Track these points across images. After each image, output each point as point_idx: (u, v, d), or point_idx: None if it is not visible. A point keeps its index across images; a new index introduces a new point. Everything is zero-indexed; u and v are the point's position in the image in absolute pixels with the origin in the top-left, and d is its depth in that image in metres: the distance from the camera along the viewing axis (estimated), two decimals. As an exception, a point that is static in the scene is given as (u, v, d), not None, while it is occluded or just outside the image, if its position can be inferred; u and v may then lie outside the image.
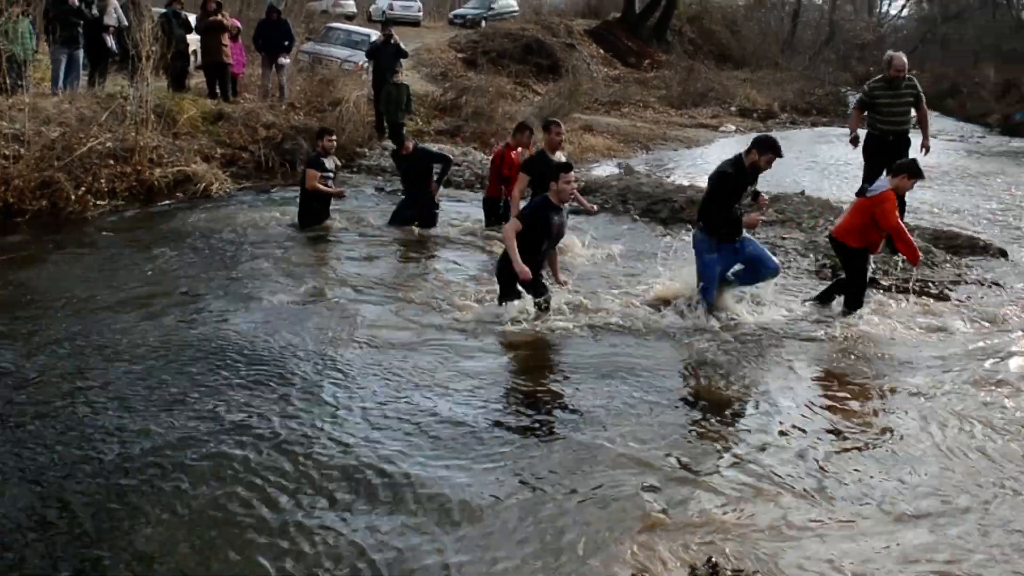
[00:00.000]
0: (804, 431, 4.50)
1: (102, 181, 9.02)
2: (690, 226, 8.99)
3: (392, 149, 10.12)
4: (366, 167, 12.25)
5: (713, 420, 4.59)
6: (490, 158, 9.71)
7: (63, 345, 5.15)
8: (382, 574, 3.14)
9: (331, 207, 8.70)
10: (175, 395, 4.52)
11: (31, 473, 3.70)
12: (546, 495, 3.71)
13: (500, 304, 5.94)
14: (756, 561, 3.29)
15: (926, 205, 11.24)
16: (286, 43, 13.64)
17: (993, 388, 5.16)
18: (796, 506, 3.72)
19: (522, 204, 7.12)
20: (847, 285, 6.44)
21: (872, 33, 40.03)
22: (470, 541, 3.36)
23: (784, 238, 8.44)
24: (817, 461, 4.14)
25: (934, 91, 27.51)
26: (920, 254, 6.35)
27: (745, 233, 6.17)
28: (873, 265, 6.65)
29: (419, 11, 31.49)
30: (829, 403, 4.91)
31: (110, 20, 11.60)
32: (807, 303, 6.58)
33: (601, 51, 29.37)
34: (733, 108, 25.81)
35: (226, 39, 12.74)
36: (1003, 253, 8.56)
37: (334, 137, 8.82)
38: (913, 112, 8.07)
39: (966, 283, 7.41)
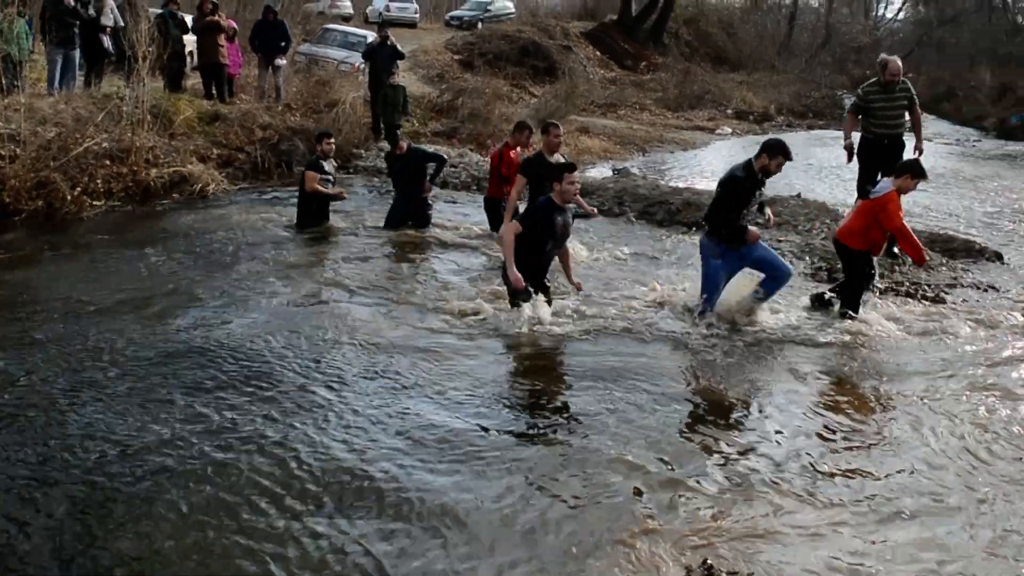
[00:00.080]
0: (798, 433, 4.52)
1: (98, 181, 9.00)
2: (686, 228, 9.08)
3: (387, 151, 10.12)
4: (362, 168, 12.26)
5: (710, 423, 4.59)
6: (488, 158, 9.70)
7: (57, 346, 5.13)
8: (375, 578, 3.12)
9: (329, 209, 8.70)
10: (168, 397, 4.50)
11: (18, 476, 3.67)
12: (542, 498, 3.70)
13: (512, 308, 5.91)
14: (751, 563, 3.30)
15: (922, 208, 11.27)
16: (282, 44, 13.64)
17: (987, 391, 5.17)
18: (791, 508, 3.73)
19: (521, 207, 7.11)
20: (845, 287, 6.45)
21: (868, 36, 40.17)
22: (464, 545, 3.35)
23: (780, 241, 8.45)
24: (811, 463, 4.15)
25: (930, 94, 27.69)
26: (926, 254, 6.34)
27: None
28: (877, 268, 6.66)
29: (415, 13, 31.57)
30: (823, 405, 4.93)
31: (106, 20, 11.56)
32: (804, 305, 6.59)
33: (597, 53, 29.42)
34: (729, 111, 25.86)
35: (222, 40, 12.72)
36: (998, 256, 8.59)
37: (333, 140, 8.85)
38: (907, 116, 8.11)
39: (962, 286, 7.43)
